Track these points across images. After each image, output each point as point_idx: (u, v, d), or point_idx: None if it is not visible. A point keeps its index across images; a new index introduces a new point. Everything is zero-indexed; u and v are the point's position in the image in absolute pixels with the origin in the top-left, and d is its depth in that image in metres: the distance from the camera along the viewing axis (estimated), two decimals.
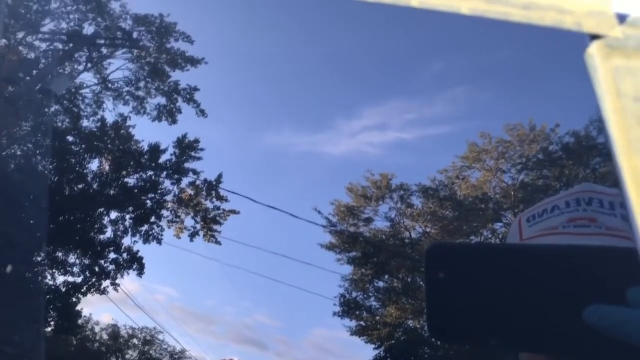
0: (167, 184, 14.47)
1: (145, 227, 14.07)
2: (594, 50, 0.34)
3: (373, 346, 18.21)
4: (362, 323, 18.76)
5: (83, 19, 15.04)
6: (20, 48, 13.87)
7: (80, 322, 15.75)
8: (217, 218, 14.97)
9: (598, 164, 15.66)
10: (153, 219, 14.24)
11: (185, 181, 14.81)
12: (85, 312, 17.98)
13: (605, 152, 15.21)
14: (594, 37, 0.34)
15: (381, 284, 18.97)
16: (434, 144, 25.13)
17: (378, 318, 18.49)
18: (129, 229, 13.95)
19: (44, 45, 14.01)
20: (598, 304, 0.34)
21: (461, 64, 23.55)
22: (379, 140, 27.86)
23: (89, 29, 14.94)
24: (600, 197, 0.62)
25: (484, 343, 0.40)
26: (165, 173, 14.10)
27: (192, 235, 14.97)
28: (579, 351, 0.35)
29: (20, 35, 13.70)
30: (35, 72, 13.16)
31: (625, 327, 0.32)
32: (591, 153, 15.66)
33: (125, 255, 14.00)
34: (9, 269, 10.96)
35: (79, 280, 13.83)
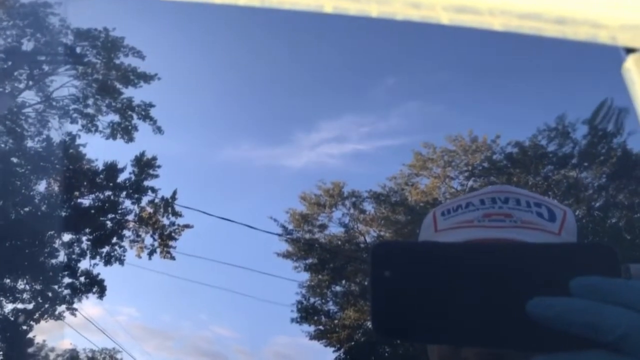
0: (128, 203, 14.17)
1: (107, 249, 13.65)
2: (630, 64, 0.35)
3: (332, 348, 18.58)
4: (321, 327, 19.02)
5: (21, 34, 14.47)
6: None
7: (31, 350, 14.91)
8: (172, 234, 14.81)
9: (550, 172, 16.35)
10: (115, 240, 13.83)
11: (144, 199, 14.49)
12: (39, 339, 16.99)
13: (555, 161, 16.28)
14: (629, 50, 0.35)
15: (338, 289, 19.41)
16: (389, 154, 26.67)
17: (336, 321, 18.85)
18: (87, 251, 13.48)
19: None
20: (541, 296, 0.35)
21: (410, 80, 25.14)
22: (337, 152, 28.94)
23: (28, 45, 14.40)
24: (517, 196, 0.64)
25: (429, 340, 0.42)
26: (124, 192, 13.78)
27: (151, 253, 14.64)
28: (522, 343, 0.36)
29: None
30: None
31: (568, 316, 0.33)
32: (541, 162, 16.37)
33: (82, 278, 13.50)
34: None
35: (30, 306, 13.19)
